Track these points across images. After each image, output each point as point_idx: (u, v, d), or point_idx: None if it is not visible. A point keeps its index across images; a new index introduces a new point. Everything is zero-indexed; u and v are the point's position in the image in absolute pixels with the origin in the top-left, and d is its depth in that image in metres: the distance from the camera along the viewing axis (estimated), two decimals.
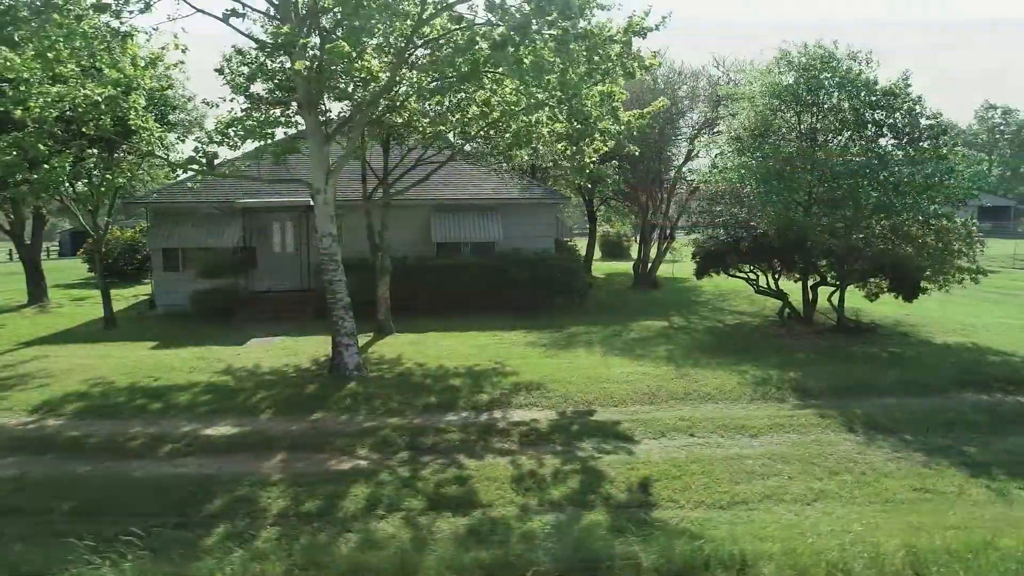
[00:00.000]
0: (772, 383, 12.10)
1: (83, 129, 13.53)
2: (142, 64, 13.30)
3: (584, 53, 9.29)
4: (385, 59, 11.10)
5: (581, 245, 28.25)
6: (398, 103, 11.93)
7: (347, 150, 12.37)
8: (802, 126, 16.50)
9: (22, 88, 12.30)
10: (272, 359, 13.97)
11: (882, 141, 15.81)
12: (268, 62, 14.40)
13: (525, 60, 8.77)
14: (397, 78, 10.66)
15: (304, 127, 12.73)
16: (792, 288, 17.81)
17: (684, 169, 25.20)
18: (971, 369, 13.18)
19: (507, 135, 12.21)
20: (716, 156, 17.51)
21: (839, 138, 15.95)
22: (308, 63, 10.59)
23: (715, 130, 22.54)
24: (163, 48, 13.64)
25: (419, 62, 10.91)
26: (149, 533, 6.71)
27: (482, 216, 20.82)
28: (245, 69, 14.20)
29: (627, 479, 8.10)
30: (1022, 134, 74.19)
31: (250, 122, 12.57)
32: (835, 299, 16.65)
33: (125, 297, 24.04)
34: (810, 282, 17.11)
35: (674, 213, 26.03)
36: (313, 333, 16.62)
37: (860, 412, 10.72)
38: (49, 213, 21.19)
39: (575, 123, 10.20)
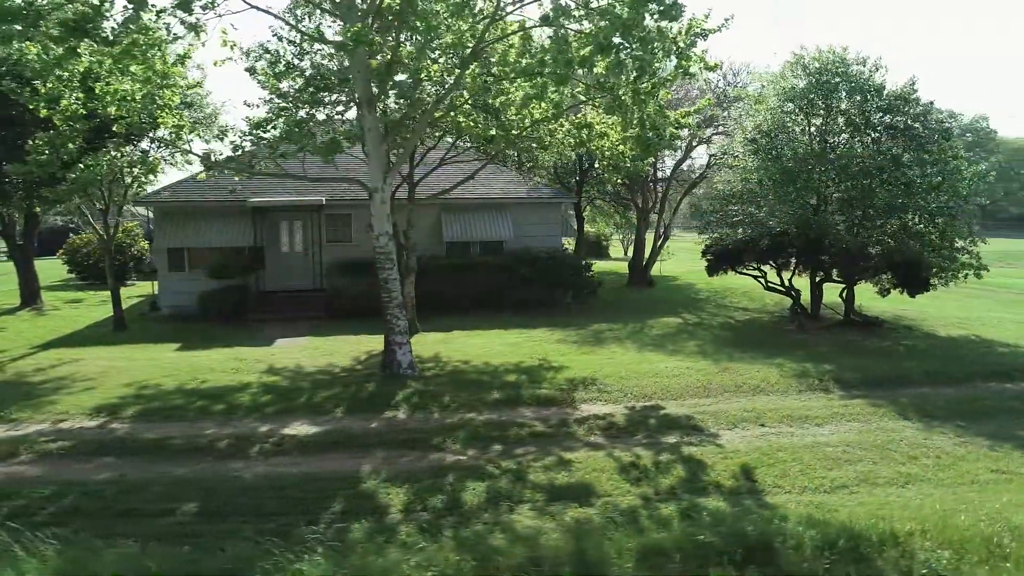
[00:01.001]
0: (811, 375, 12.61)
1: (114, 127, 13.24)
2: (177, 59, 13.10)
3: (659, 54, 9.51)
4: (451, 59, 11.16)
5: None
6: (460, 104, 11.98)
7: (405, 150, 12.38)
8: (812, 128, 17.18)
9: (51, 85, 12.00)
10: (310, 359, 13.86)
11: (888, 143, 16.56)
12: (304, 60, 14.34)
13: (627, 61, 8.98)
14: (467, 77, 10.72)
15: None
16: (798, 285, 18.47)
17: (682, 167, 25.77)
18: (987, 360, 13.97)
19: (568, 138, 12.35)
20: (731, 157, 18.01)
21: (852, 141, 16.63)
22: (376, 60, 10.60)
23: (717, 130, 23.16)
24: (191, 45, 13.42)
25: (490, 60, 10.96)
26: (288, 532, 6.72)
27: (492, 215, 20.95)
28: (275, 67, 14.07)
29: (726, 468, 8.39)
30: (967, 136, 77.58)
31: (286, 125, 12.54)
32: (832, 295, 17.40)
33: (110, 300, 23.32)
34: (816, 279, 17.82)
35: (668, 212, 26.64)
36: (335, 333, 16.54)
37: (905, 401, 11.28)
38: (44, 212, 20.34)
39: (648, 128, 10.45)
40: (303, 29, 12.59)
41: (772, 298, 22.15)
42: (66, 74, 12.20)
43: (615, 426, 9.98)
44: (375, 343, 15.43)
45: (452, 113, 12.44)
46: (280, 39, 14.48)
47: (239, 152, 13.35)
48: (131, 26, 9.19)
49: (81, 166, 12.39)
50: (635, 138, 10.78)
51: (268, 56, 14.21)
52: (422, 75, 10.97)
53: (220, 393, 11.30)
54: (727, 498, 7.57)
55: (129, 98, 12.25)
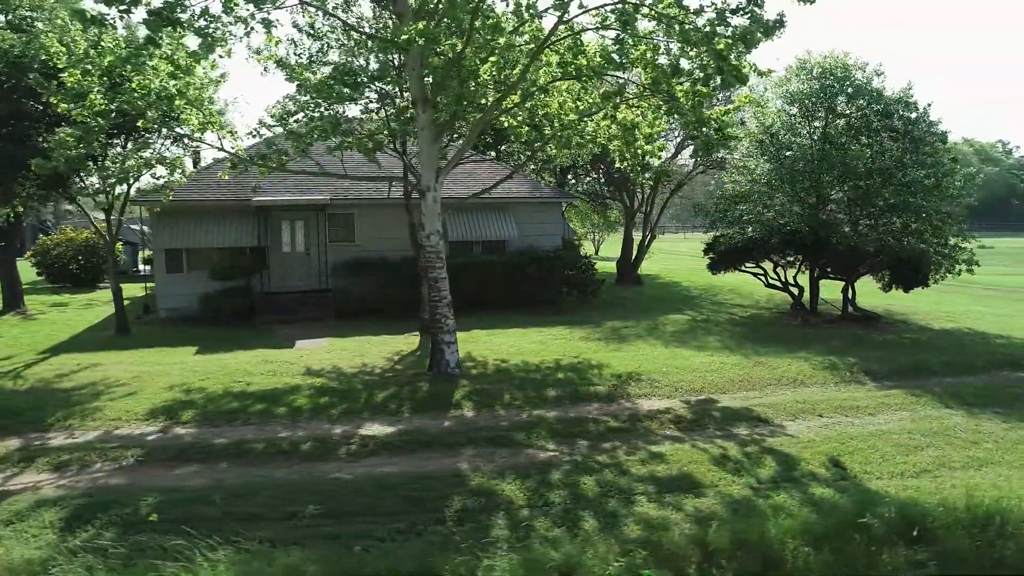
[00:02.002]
0: (840, 368, 13.13)
1: (138, 123, 12.84)
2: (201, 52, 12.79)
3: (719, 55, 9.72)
4: (512, 59, 11.18)
5: None
6: (515, 104, 12.00)
7: (460, 149, 12.34)
8: (815, 132, 17.84)
9: (75, 79, 11.62)
10: (343, 360, 13.66)
11: (888, 144, 17.34)
12: (330, 55, 14.14)
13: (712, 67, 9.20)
14: (533, 75, 10.77)
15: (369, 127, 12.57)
16: (798, 282, 19.16)
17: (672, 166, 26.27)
18: (992, 351, 14.77)
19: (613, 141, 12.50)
20: (739, 158, 18.54)
21: (855, 143, 17.33)
22: (439, 59, 10.57)
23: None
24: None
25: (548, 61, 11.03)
26: (421, 531, 6.71)
27: (495, 214, 21.01)
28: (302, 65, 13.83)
29: (812, 457, 8.71)
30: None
31: (320, 120, 12.39)
32: (828, 291, 18.17)
33: (97, 303, 22.44)
34: (815, 275, 18.54)
35: (655, 212, 27.16)
36: (352, 334, 16.33)
37: (939, 390, 11.88)
38: (35, 210, 19.32)
39: (709, 127, 10.70)
40: (350, 23, 12.39)
41: (762, 294, 22.91)
42: (91, 67, 11.83)
43: (683, 419, 10.20)
44: (400, 343, 15.37)
45: (502, 116, 12.46)
46: (303, 31, 14.28)
47: (271, 148, 13.04)
48: (223, 17, 8.92)
49: (110, 161, 11.91)
50: (700, 139, 11.01)
51: (297, 49, 13.99)
52: (483, 75, 10.97)
53: (272, 396, 11.06)
54: (827, 485, 7.86)
55: (157, 93, 11.93)
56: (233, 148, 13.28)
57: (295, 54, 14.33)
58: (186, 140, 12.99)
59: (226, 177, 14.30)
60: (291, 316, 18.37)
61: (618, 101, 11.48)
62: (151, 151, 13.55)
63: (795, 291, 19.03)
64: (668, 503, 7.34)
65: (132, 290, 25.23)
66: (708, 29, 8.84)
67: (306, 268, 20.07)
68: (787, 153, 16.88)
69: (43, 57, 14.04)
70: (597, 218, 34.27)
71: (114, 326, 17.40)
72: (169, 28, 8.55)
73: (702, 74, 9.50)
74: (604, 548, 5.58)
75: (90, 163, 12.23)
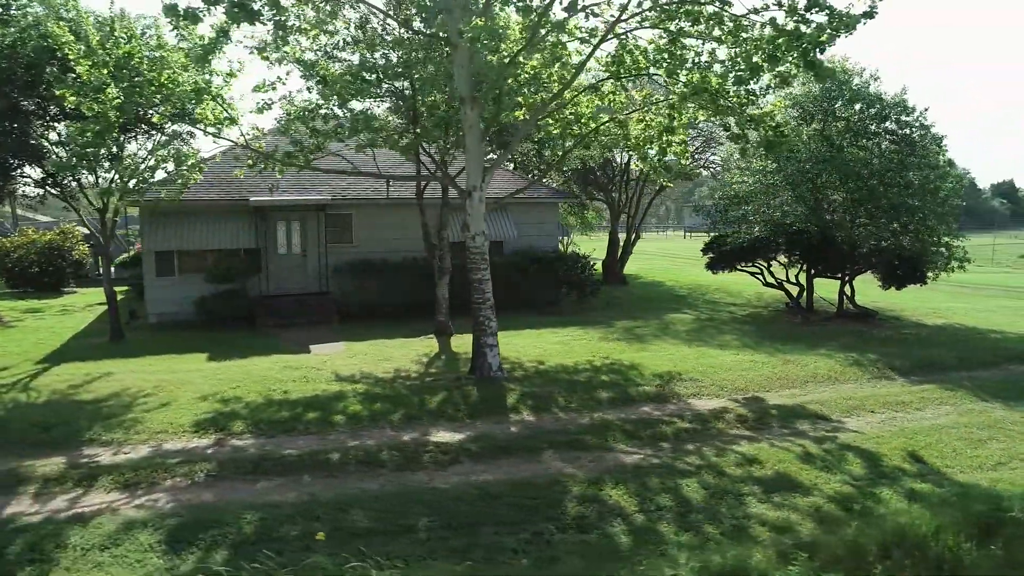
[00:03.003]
0: (864, 364, 13.48)
1: (154, 118, 12.19)
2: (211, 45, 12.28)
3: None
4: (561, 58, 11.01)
5: None
6: (568, 103, 11.82)
7: (507, 149, 12.10)
8: (814, 135, 18.27)
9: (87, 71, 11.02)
10: (368, 365, 13.25)
11: (886, 147, 17.91)
12: (346, 51, 13.73)
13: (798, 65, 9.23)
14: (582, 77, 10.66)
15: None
16: (793, 280, 19.62)
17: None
18: (996, 347, 15.38)
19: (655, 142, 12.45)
20: (740, 160, 18.81)
21: (853, 145, 17.82)
22: (493, 58, 10.34)
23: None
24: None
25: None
26: (549, 540, 6.52)
27: (494, 214, 20.73)
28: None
29: (890, 452, 8.85)
30: None
31: (350, 116, 12.04)
32: (823, 290, 18.75)
33: (73, 308, 21.24)
34: (811, 274, 19.04)
35: (639, 212, 27.39)
36: (365, 338, 15.87)
37: (969, 384, 12.29)
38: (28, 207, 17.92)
39: (763, 129, 10.78)
40: (394, 18, 11.97)
41: (751, 293, 23.41)
42: (106, 58, 11.21)
43: (746, 419, 10.26)
44: (419, 346, 15.04)
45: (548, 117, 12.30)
46: (323, 26, 13.80)
47: (296, 146, 12.53)
48: (291, 10, 8.48)
49: (128, 157, 11.25)
50: (765, 140, 11.08)
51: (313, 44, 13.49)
52: (539, 77, 10.79)
53: (317, 403, 10.61)
54: (920, 479, 8.00)
55: (175, 86, 11.37)
56: (252, 144, 12.72)
57: (311, 49, 13.80)
58: (206, 135, 12.30)
59: (242, 175, 13.67)
60: (290, 320, 17.75)
61: (662, 102, 11.46)
62: (171, 147, 12.77)
63: (794, 289, 19.46)
64: (779, 503, 7.33)
65: (102, 295, 24.00)
66: (791, 27, 8.88)
67: (303, 270, 19.43)
68: (789, 154, 17.19)
69: (44, 48, 13.17)
70: (575, 220, 34.33)
71: (107, 333, 16.47)
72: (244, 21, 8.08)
73: (771, 77, 9.52)
74: (761, 554, 5.52)
75: (106, 159, 11.44)
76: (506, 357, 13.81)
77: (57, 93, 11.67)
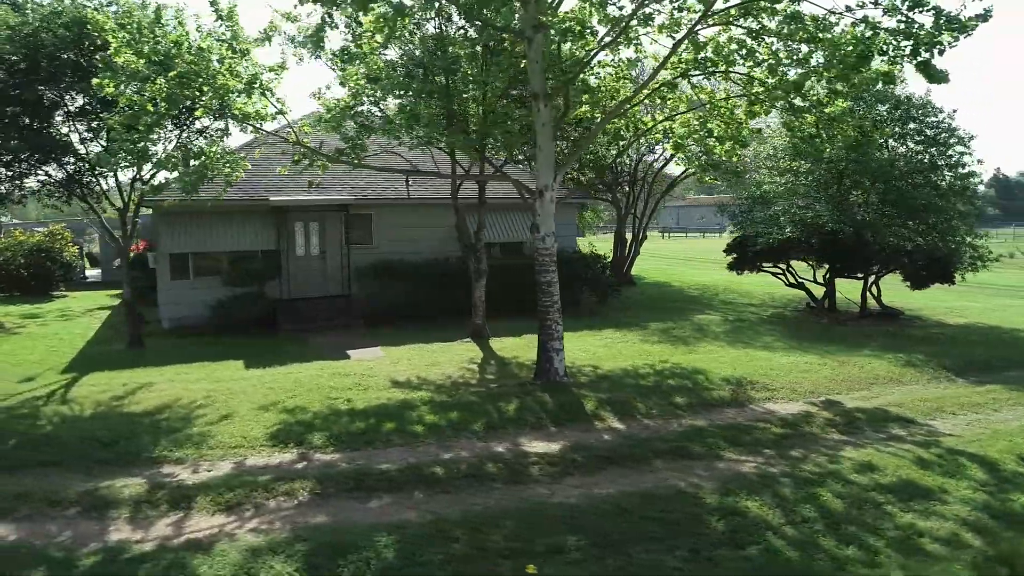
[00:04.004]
0: (918, 365, 13.43)
1: (198, 111, 11.53)
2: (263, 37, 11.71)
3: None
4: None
5: None
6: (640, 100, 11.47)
7: (579, 147, 11.70)
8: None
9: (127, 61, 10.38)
10: (418, 370, 12.73)
11: (913, 147, 18.00)
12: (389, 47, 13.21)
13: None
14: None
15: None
16: (823, 281, 19.63)
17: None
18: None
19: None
20: (774, 159, 18.73)
21: (882, 147, 17.87)
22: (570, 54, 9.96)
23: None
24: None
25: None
26: (710, 557, 6.17)
27: (514, 215, 20.35)
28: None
29: (1000, 456, 8.69)
30: None
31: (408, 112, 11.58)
32: (847, 290, 18.86)
33: (72, 313, 20.16)
34: (827, 274, 19.12)
35: (648, 210, 27.23)
36: (395, 342, 15.32)
37: None
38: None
39: (847, 128, 10.64)
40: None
41: (762, 293, 23.43)
42: (156, 47, 10.56)
43: (834, 423, 10.05)
44: (461, 350, 14.59)
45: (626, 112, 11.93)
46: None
47: (348, 142, 11.96)
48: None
49: (173, 151, 10.59)
50: (853, 139, 10.91)
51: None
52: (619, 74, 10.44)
53: (388, 413, 10.06)
54: None
55: (231, 77, 10.78)
56: (301, 140, 12.11)
57: (354, 43, 13.22)
58: (244, 130, 11.63)
59: (285, 172, 13.00)
60: (314, 324, 17.07)
61: (740, 98, 11.21)
62: (219, 143, 12.04)
63: (816, 289, 19.46)
64: (923, 511, 7.08)
65: (96, 298, 22.89)
66: (903, 26, 8.67)
67: (322, 272, 18.74)
68: (826, 154, 17.15)
69: (68, 38, 12.34)
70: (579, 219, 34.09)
71: (122, 339, 15.64)
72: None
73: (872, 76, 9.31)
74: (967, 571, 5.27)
75: (154, 155, 10.72)
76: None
77: (94, 83, 10.92)
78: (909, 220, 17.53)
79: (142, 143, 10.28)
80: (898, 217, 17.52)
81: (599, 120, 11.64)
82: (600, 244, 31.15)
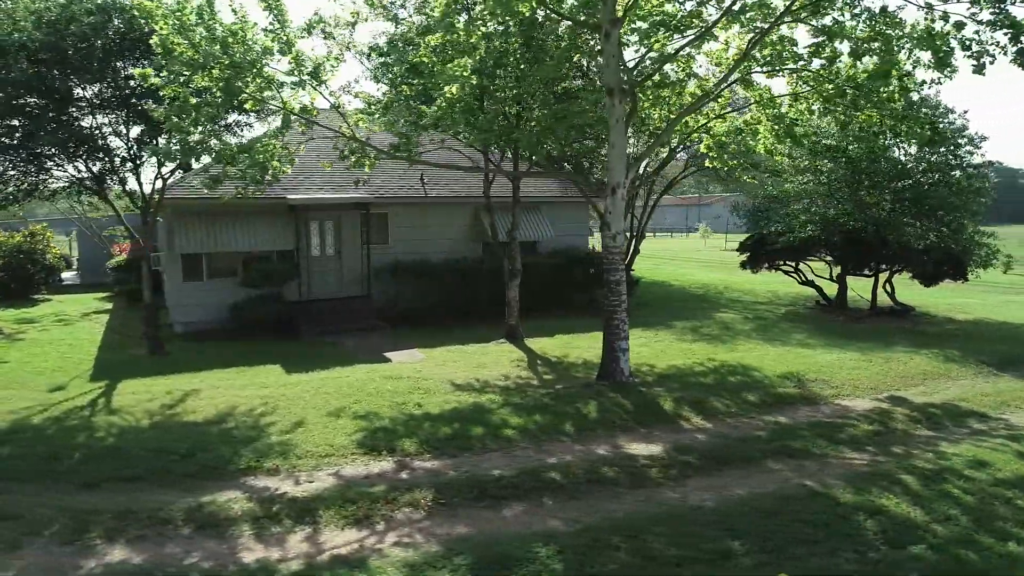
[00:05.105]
0: (958, 360, 13.68)
1: (248, 104, 11.00)
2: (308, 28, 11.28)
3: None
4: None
5: None
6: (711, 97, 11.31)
7: (653, 144, 11.50)
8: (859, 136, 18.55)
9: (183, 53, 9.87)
10: (469, 372, 12.39)
11: (933, 148, 18.35)
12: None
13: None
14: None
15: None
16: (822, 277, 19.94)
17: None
18: None
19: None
20: (788, 160, 18.87)
21: (895, 147, 18.18)
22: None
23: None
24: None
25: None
26: (879, 561, 6.04)
27: (529, 214, 20.09)
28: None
29: None
30: None
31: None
32: (860, 288, 19.23)
33: (69, 317, 19.08)
34: (837, 272, 19.45)
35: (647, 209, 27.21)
36: (428, 344, 14.89)
37: None
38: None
39: (917, 126, 10.71)
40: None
41: (765, 291, 23.73)
42: (212, 36, 10.06)
43: (916, 419, 10.10)
44: (501, 351, 14.30)
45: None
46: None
47: (401, 139, 11.54)
48: None
49: (247, 152, 10.04)
50: (915, 135, 10.96)
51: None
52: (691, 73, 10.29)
53: (465, 417, 9.70)
54: None
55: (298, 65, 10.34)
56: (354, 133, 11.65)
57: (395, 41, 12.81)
58: (287, 124, 11.07)
59: (328, 167, 12.47)
60: (339, 326, 16.47)
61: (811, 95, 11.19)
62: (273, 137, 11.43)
63: (832, 287, 19.72)
64: None
65: (84, 301, 21.71)
66: (988, 18, 8.76)
67: (338, 273, 18.15)
68: (846, 154, 17.36)
69: (98, 24, 11.61)
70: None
71: (136, 344, 14.86)
72: None
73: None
74: None
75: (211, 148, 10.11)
76: (587, 361, 13.25)
77: (136, 73, 10.29)
78: (923, 218, 17.87)
79: (196, 135, 9.70)
80: (911, 215, 17.85)
81: (673, 117, 11.47)
82: (595, 243, 31.08)
